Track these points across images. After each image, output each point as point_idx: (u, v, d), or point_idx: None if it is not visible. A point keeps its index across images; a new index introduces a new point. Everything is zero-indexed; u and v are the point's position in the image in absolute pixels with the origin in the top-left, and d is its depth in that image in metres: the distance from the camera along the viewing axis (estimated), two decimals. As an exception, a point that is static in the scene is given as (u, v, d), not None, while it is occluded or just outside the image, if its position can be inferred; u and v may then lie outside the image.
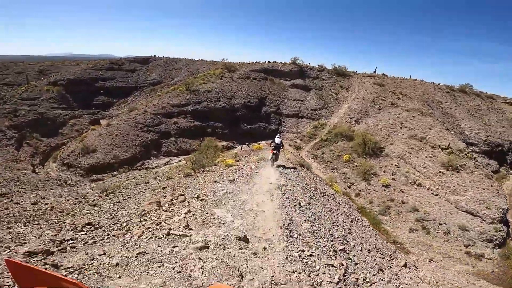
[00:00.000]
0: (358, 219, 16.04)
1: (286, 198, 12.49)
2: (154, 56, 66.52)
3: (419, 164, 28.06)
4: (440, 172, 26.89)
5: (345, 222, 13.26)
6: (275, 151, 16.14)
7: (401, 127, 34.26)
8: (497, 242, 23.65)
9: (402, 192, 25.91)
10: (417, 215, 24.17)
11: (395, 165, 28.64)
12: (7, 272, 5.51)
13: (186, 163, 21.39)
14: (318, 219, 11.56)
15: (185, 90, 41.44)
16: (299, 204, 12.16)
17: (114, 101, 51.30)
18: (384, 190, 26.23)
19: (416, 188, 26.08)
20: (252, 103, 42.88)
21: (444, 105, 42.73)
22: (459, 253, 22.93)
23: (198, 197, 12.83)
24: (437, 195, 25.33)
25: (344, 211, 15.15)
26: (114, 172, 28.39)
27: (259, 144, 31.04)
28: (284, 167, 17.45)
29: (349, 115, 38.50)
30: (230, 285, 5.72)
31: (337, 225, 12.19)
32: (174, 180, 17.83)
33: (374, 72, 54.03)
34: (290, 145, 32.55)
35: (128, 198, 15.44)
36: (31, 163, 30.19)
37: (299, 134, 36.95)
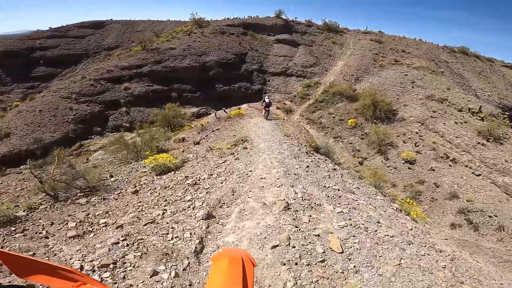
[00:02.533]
0: None
1: None
2: (110, 19, 50.91)
3: (449, 132, 19.19)
4: (478, 143, 18.18)
5: None
6: (267, 108, 15.85)
7: (412, 86, 25.02)
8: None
9: (433, 170, 17.11)
10: (458, 204, 15.59)
11: (417, 133, 19.66)
12: None
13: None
14: None
15: (141, 49, 29.86)
16: None
17: (59, 71, 38.39)
18: (409, 168, 17.32)
19: (450, 166, 17.34)
20: (229, 60, 31.92)
21: (451, 64, 33.75)
22: (517, 256, 14.97)
23: None
24: (479, 175, 16.74)
25: None
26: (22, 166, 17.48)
27: (239, 108, 21.04)
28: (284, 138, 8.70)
29: (347, 72, 28.68)
30: None
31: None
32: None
33: (366, 30, 43.83)
34: (278, 108, 22.69)
35: None
36: None
37: (289, 95, 26.95)
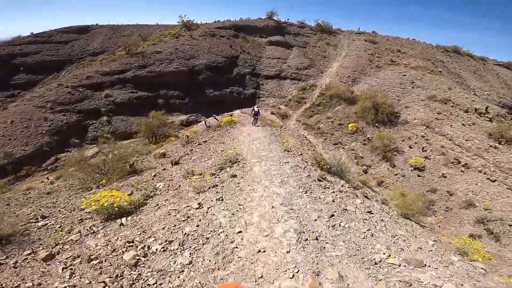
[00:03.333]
0: None
1: None
2: (96, 24, 48.61)
3: (457, 135, 17.70)
4: (490, 146, 16.71)
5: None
6: (256, 117, 16.40)
7: (412, 87, 23.61)
8: None
9: (445, 177, 15.54)
10: (475, 213, 14.02)
11: (423, 137, 18.12)
12: None
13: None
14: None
15: (125, 54, 27.88)
16: None
17: (40, 78, 36.02)
18: (418, 176, 15.73)
19: (462, 171, 15.79)
20: (219, 63, 30.11)
21: (447, 64, 32.65)
22: (543, 270, 13.45)
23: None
24: (495, 180, 15.22)
25: None
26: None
27: (231, 115, 19.23)
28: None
29: (343, 74, 27.17)
30: None
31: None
32: None
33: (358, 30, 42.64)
34: (273, 113, 20.96)
35: None
36: None
37: (283, 99, 25.23)
